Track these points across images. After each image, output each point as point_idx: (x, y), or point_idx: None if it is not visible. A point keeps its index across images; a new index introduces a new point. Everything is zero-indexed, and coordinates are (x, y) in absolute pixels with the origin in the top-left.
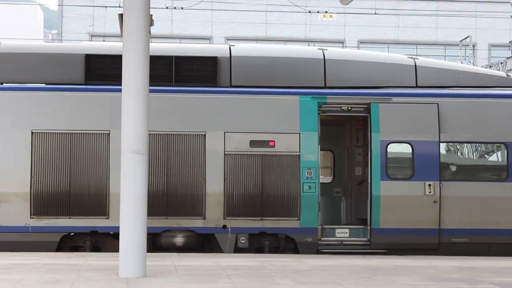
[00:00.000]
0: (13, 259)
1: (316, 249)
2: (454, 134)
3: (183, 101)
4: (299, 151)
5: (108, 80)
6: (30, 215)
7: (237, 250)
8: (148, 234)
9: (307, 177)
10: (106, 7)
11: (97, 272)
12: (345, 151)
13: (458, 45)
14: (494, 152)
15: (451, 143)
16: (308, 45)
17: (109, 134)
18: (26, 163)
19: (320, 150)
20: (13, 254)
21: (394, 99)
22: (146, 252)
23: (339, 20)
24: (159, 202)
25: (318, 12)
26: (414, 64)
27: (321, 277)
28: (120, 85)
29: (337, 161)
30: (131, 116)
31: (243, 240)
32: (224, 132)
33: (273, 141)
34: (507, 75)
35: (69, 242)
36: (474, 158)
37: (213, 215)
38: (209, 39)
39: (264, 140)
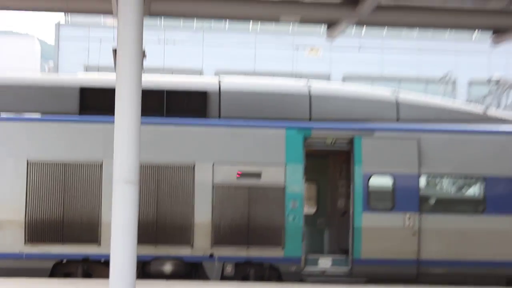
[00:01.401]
0: (7, 284)
1: (299, 279)
2: (434, 167)
3: (174, 133)
4: (285, 183)
5: (102, 112)
6: (25, 242)
7: (224, 278)
8: (138, 262)
9: (292, 208)
10: (100, 41)
11: None
12: (329, 183)
13: (439, 81)
14: (472, 186)
15: (430, 177)
16: (295, 78)
17: (101, 164)
18: (22, 192)
19: (305, 182)
20: (7, 279)
21: (376, 133)
22: (135, 280)
23: (324, 56)
24: (149, 231)
25: (304, 50)
26: (396, 100)
27: None
28: (113, 116)
29: (321, 193)
30: (124, 148)
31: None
32: (213, 164)
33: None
34: (485, 111)
35: (62, 269)
36: (453, 191)
37: (201, 244)
38: (200, 72)
39: (252, 172)
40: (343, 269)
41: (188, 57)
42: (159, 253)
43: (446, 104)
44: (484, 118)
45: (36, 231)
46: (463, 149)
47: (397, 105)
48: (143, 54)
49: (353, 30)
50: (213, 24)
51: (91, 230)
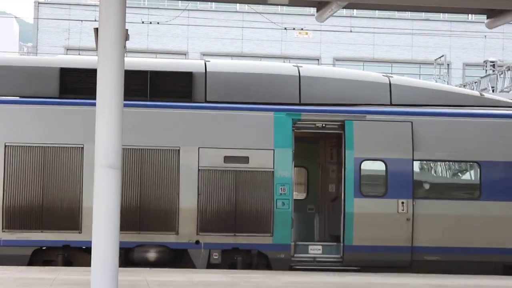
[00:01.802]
0: None
1: (289, 266)
2: (428, 152)
3: (158, 116)
4: (273, 168)
5: (83, 94)
6: (2, 228)
7: (210, 266)
8: (121, 249)
9: (281, 194)
10: (82, 21)
11: (68, 287)
12: (319, 168)
13: (433, 64)
14: (467, 171)
15: (424, 161)
16: (284, 62)
17: (82, 148)
18: None
19: (294, 166)
20: None
21: (368, 116)
22: (118, 267)
23: (314, 37)
24: (133, 217)
25: (294, 29)
26: (389, 82)
27: None
28: (95, 98)
29: (311, 178)
30: (105, 131)
31: (216, 256)
32: (199, 148)
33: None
34: (481, 94)
35: (41, 256)
36: (447, 176)
37: (186, 230)
38: (185, 54)
39: (239, 156)
40: (334, 257)
41: (172, 39)
42: (143, 240)
43: (440, 87)
44: (479, 102)
45: (14, 217)
46: (458, 133)
47: (390, 88)
48: (126, 35)
49: (344, 10)
50: (199, 3)
51: (71, 216)
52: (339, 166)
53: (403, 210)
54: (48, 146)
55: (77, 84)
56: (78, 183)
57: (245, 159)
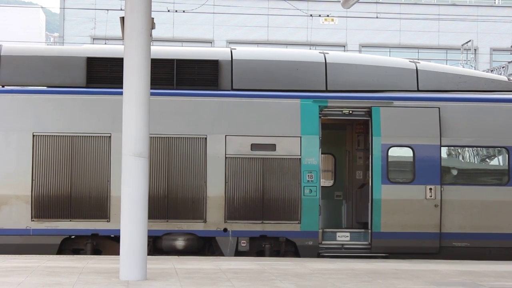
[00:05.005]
0: (14, 261)
1: (316, 253)
2: (455, 138)
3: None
4: (300, 155)
5: (110, 83)
6: (31, 217)
7: (238, 253)
8: (149, 237)
9: (308, 181)
10: (108, 10)
11: (97, 275)
12: (346, 155)
13: (460, 49)
14: (495, 156)
15: (452, 147)
16: (310, 49)
17: (110, 137)
18: (27, 166)
19: (321, 153)
20: (14, 256)
21: (396, 103)
22: (146, 255)
23: (340, 24)
24: (160, 205)
25: (319, 15)
26: (415, 68)
27: (321, 280)
28: (121, 88)
29: (338, 165)
30: (132, 119)
31: (243, 244)
32: (225, 136)
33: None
34: (509, 79)
35: (70, 245)
36: (475, 162)
37: (214, 218)
38: (211, 42)
39: (266, 144)
40: (362, 243)
41: (198, 27)
42: (171, 228)
43: (467, 73)
44: (507, 87)
45: (43, 206)
46: (485, 118)
47: (417, 74)
48: (152, 23)
49: None
50: None
51: (100, 205)
52: (366, 152)
53: (431, 196)
54: (76, 136)
55: (103, 74)
56: (106, 172)
57: (272, 147)
